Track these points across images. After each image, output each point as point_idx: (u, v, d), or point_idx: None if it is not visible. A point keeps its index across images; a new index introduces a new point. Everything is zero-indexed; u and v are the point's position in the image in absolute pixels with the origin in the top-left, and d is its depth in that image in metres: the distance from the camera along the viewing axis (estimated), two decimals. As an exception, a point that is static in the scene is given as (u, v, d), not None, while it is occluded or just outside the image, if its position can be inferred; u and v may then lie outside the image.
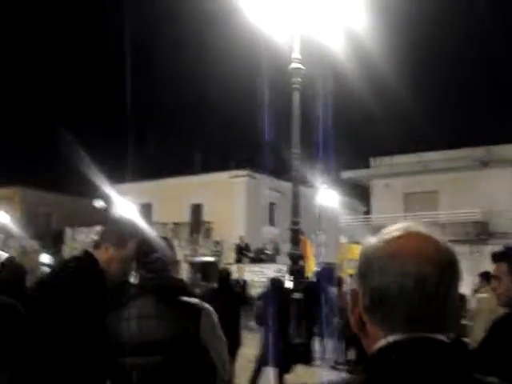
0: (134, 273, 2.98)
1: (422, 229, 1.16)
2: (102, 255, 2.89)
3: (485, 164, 27.26)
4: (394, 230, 1.17)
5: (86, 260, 2.87)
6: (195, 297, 2.87)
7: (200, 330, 2.70)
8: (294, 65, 12.58)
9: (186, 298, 2.78)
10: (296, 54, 12.57)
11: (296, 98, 12.70)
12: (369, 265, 1.14)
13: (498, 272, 3.08)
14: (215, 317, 2.82)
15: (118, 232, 2.97)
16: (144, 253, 2.89)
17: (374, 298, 1.11)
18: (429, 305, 1.08)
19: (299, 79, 12.65)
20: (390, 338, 1.08)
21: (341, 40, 13.13)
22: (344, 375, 10.96)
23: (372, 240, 1.19)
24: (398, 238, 1.15)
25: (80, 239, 33.95)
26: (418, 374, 1.02)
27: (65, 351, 2.57)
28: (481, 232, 26.03)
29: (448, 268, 1.11)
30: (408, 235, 1.14)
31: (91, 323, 2.64)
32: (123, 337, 2.66)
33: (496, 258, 3.15)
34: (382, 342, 1.09)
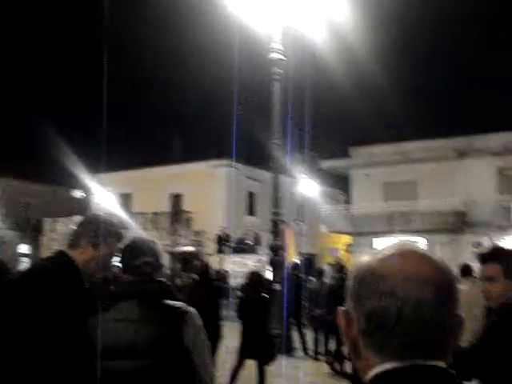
0: (118, 275, 2.91)
1: (416, 248, 1.11)
2: (79, 255, 2.76)
3: (463, 154, 27.49)
4: (388, 249, 1.13)
5: (61, 261, 2.74)
6: (180, 300, 2.82)
7: (184, 334, 2.66)
8: (274, 55, 12.53)
9: (170, 302, 2.74)
10: (276, 45, 12.52)
11: (276, 88, 12.67)
12: (363, 286, 1.08)
13: (490, 273, 3.00)
14: (199, 320, 2.78)
15: (95, 230, 2.82)
16: (129, 256, 2.83)
17: (370, 321, 1.05)
18: (427, 330, 1.03)
19: (279, 70, 12.61)
20: (387, 365, 1.04)
21: (322, 30, 13.11)
22: (324, 366, 11.04)
23: (365, 260, 1.14)
24: (394, 258, 1.10)
25: (59, 229, 33.70)
26: None
27: (43, 355, 2.49)
28: (459, 222, 26.29)
29: (447, 291, 1.06)
30: (403, 255, 1.10)
31: (69, 326, 2.55)
32: (106, 340, 2.60)
33: (486, 258, 3.07)
34: (379, 369, 1.05)
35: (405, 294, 1.03)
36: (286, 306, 11.98)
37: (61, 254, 2.79)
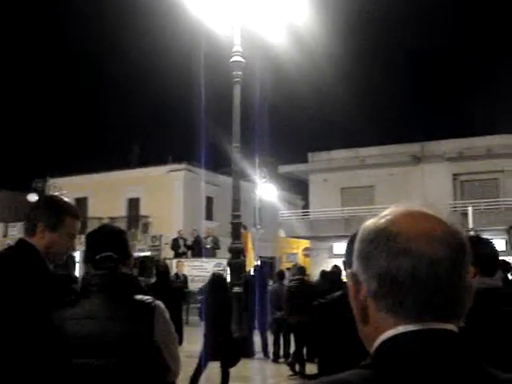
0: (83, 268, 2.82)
1: (425, 208, 1.07)
2: (39, 241, 2.64)
3: (418, 159, 28.00)
4: (396, 209, 1.08)
5: (21, 250, 2.63)
6: (146, 293, 2.74)
7: (154, 329, 2.59)
8: (234, 58, 12.52)
9: (138, 296, 2.65)
10: (237, 47, 12.52)
11: (237, 91, 12.66)
12: (374, 246, 1.04)
13: None
14: (167, 314, 2.71)
15: (50, 211, 2.71)
16: (92, 249, 2.74)
17: (383, 282, 1.01)
18: (442, 289, 0.99)
19: (240, 72, 12.61)
20: (401, 328, 1.00)
21: (282, 34, 13.18)
22: (284, 368, 11.05)
23: (373, 220, 1.09)
24: (405, 217, 1.05)
25: (13, 235, 33.00)
26: (430, 369, 0.95)
27: (5, 350, 2.38)
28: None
29: (460, 250, 1.03)
30: (414, 215, 1.06)
31: (34, 318, 2.45)
32: (72, 337, 2.52)
33: None
34: (391, 332, 1.01)
35: (419, 251, 0.99)
36: (249, 309, 11.95)
37: (20, 242, 2.68)
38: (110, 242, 2.76)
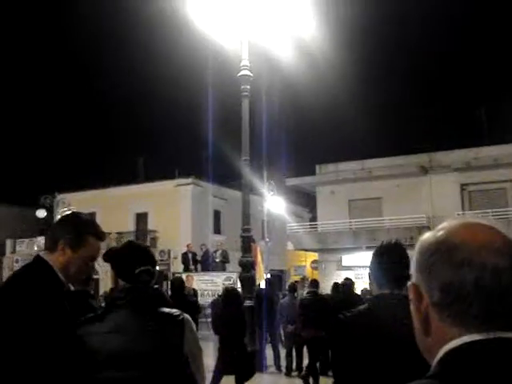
0: (111, 283, 2.80)
1: (482, 221, 1.10)
2: (57, 258, 2.54)
3: (426, 170, 27.94)
4: (453, 221, 1.11)
5: (36, 267, 2.52)
6: (172, 307, 2.73)
7: (184, 342, 2.58)
8: (242, 72, 12.56)
9: (166, 310, 2.65)
10: (245, 62, 12.56)
11: (245, 104, 12.68)
12: (436, 258, 1.06)
13: None
14: (194, 327, 2.72)
15: (73, 228, 2.60)
16: (127, 264, 2.71)
17: (446, 293, 1.03)
18: (506, 299, 1.01)
19: (248, 86, 12.64)
20: (466, 338, 1.01)
21: (289, 48, 13.22)
22: (297, 381, 10.98)
23: (432, 233, 1.12)
24: (463, 228, 1.08)
25: (21, 250, 33.08)
26: (498, 378, 0.95)
27: (27, 369, 2.29)
28: (424, 236, 26.59)
29: None
30: (472, 226, 1.08)
31: (50, 337, 2.35)
32: (100, 351, 2.50)
33: None
34: (456, 343, 1.01)
35: (481, 262, 1.02)
36: (260, 323, 11.90)
37: (36, 260, 2.58)
38: (145, 257, 2.76)
